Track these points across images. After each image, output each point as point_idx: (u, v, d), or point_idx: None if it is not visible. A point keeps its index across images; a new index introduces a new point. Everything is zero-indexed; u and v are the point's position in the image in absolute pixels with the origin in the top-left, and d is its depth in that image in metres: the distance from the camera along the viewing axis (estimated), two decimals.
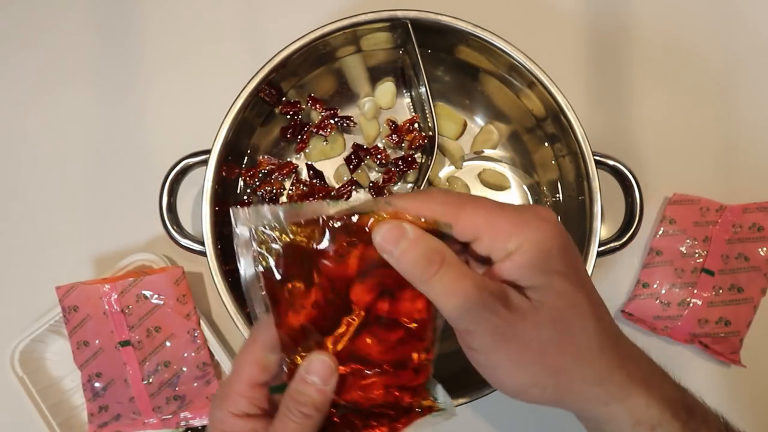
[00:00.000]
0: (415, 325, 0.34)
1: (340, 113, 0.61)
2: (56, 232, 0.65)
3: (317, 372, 0.33)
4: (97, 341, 0.58)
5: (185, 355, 0.58)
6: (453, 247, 0.33)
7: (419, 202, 0.32)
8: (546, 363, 0.32)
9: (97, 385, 0.58)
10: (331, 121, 0.60)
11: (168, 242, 0.56)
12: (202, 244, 0.54)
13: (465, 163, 0.62)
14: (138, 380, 0.58)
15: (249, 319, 0.54)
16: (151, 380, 0.58)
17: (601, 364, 0.33)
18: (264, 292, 0.33)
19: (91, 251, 0.64)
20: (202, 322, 0.59)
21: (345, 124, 0.61)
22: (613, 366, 0.33)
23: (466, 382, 0.53)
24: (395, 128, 0.61)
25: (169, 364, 0.58)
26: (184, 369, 0.58)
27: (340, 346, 0.34)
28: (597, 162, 0.54)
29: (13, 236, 0.65)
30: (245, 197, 0.60)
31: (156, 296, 0.58)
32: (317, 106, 0.60)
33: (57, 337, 0.62)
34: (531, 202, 0.62)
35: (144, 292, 0.58)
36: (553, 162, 0.61)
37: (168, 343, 0.58)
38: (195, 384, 0.59)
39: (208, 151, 0.55)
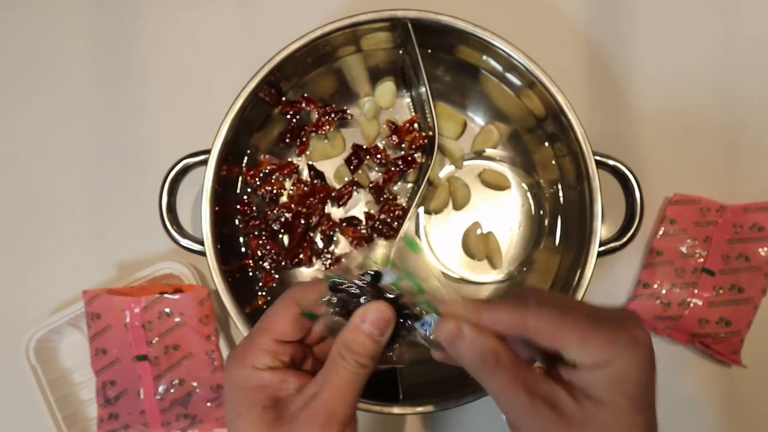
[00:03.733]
0: None
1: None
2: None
3: (373, 322, 0.34)
4: (115, 351, 0.58)
5: (200, 375, 0.58)
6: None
7: (514, 316, 0.33)
8: None
9: (109, 393, 0.59)
10: (329, 117, 0.60)
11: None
12: (202, 244, 0.54)
13: (465, 163, 0.62)
14: (150, 394, 0.58)
15: (249, 318, 0.54)
16: (163, 396, 0.58)
17: None
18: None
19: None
20: (221, 342, 0.59)
21: (342, 118, 0.60)
22: None
23: (466, 382, 0.53)
24: (395, 129, 0.61)
25: (184, 383, 0.58)
26: (198, 389, 0.59)
27: None
28: (597, 162, 0.54)
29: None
30: (245, 197, 0.60)
31: (179, 315, 0.58)
32: (311, 105, 0.60)
33: (74, 330, 0.62)
34: (531, 202, 0.62)
35: (167, 309, 0.58)
36: (553, 162, 0.61)
37: (185, 362, 0.58)
38: (207, 404, 0.59)
39: (208, 151, 0.55)
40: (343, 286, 0.35)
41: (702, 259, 0.61)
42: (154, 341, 0.58)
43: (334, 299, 0.35)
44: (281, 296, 0.37)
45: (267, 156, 0.60)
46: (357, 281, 0.35)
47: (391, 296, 0.34)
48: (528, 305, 0.34)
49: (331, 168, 0.62)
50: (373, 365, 0.34)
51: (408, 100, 0.63)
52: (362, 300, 0.34)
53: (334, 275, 0.35)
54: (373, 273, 0.35)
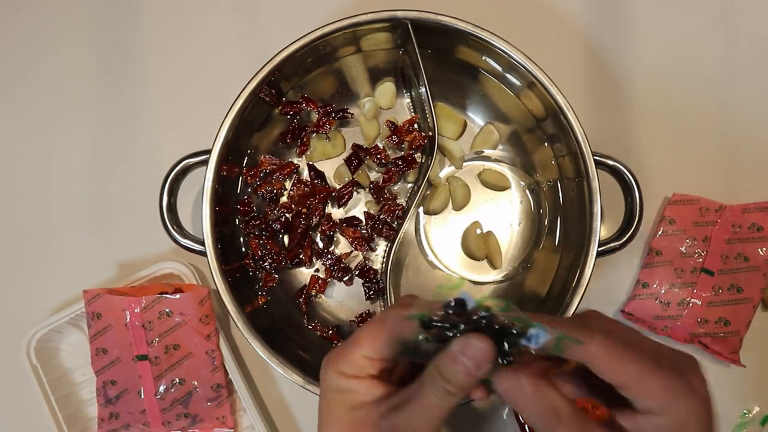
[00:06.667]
0: None
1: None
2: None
3: (472, 356, 0.33)
4: (115, 351, 0.58)
5: (201, 375, 0.58)
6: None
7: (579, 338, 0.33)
8: None
9: (110, 392, 0.59)
10: (329, 117, 0.60)
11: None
12: (203, 243, 0.54)
13: (465, 163, 0.62)
14: (151, 394, 0.58)
15: (249, 319, 0.54)
16: (164, 396, 0.58)
17: None
18: None
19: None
20: (221, 341, 0.59)
21: (343, 117, 0.60)
22: None
23: None
24: (395, 129, 0.61)
25: (184, 382, 0.58)
26: (198, 389, 0.59)
27: None
28: (597, 162, 0.55)
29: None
30: (245, 197, 0.61)
31: (179, 315, 0.58)
32: (311, 106, 0.60)
33: (74, 329, 0.62)
34: (531, 202, 0.62)
35: (167, 309, 0.58)
36: (552, 162, 0.61)
37: (185, 362, 0.58)
38: (207, 404, 0.59)
39: (208, 151, 0.55)
40: (434, 321, 0.34)
41: (701, 259, 0.61)
42: (154, 341, 0.58)
43: (429, 337, 0.34)
44: (376, 318, 0.37)
45: (267, 156, 0.60)
46: (445, 313, 0.34)
47: (484, 319, 0.33)
48: (593, 333, 0.33)
49: (331, 168, 0.62)
50: (463, 395, 0.34)
51: (408, 100, 0.63)
52: (458, 333, 0.33)
53: (418, 314, 0.34)
54: (456, 300, 0.34)
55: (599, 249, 0.54)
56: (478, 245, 0.61)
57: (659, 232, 0.62)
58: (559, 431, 0.33)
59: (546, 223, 0.62)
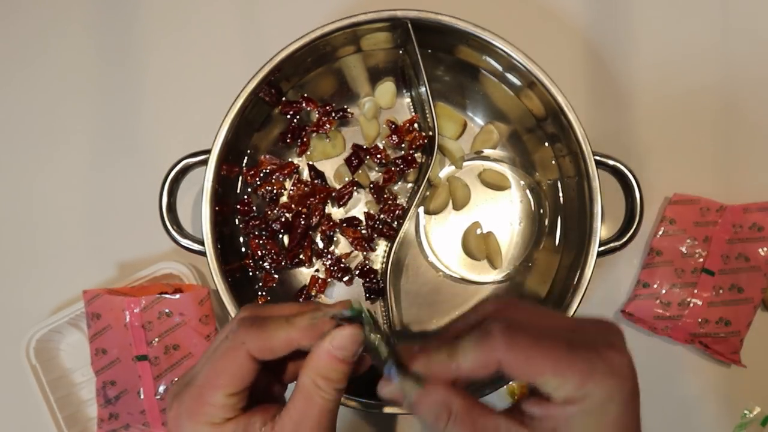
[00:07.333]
0: None
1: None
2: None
3: (343, 345, 0.32)
4: (115, 351, 0.58)
5: None
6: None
7: (482, 356, 0.31)
8: None
9: (110, 393, 0.59)
10: (329, 117, 0.60)
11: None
12: (202, 243, 0.54)
13: (465, 163, 0.62)
14: (151, 394, 0.58)
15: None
16: (163, 396, 0.58)
17: None
18: None
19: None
20: None
21: (343, 117, 0.60)
22: None
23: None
24: (395, 129, 0.61)
25: None
26: None
27: None
28: (597, 162, 0.54)
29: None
30: (245, 197, 0.61)
31: (179, 315, 0.58)
32: (311, 105, 0.60)
33: (74, 330, 0.62)
34: (531, 202, 0.62)
35: (167, 309, 0.58)
36: (553, 162, 0.61)
37: (185, 362, 0.58)
38: None
39: (208, 151, 0.55)
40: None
41: (702, 259, 0.61)
42: (154, 341, 0.58)
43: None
44: (227, 343, 0.33)
45: (267, 156, 0.60)
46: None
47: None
48: (494, 338, 0.31)
49: (332, 168, 0.62)
50: (346, 385, 0.33)
51: (408, 100, 0.63)
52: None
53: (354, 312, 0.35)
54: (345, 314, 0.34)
55: (600, 249, 0.54)
56: (478, 245, 0.61)
57: (660, 232, 0.62)
58: (454, 427, 0.32)
59: (546, 223, 0.61)
